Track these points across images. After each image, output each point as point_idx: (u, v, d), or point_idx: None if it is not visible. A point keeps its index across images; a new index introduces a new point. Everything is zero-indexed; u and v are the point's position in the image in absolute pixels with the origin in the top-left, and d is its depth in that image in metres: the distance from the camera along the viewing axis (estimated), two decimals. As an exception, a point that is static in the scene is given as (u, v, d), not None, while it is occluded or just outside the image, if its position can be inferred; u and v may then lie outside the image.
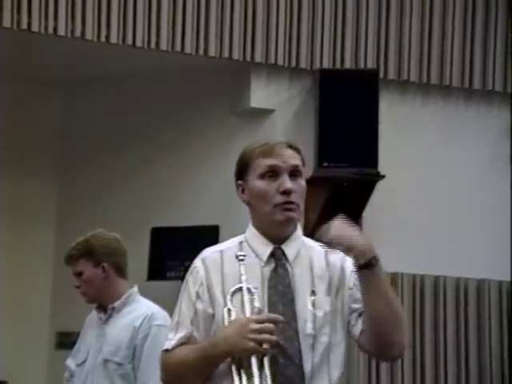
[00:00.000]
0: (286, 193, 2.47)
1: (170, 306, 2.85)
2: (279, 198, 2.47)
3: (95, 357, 3.58)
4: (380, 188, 5.54)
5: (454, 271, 5.81)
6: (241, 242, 2.54)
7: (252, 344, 2.34)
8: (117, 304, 3.62)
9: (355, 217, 5.64)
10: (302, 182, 2.52)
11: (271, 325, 2.36)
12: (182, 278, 2.63)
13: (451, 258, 5.80)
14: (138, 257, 5.15)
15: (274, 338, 2.36)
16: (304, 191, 2.53)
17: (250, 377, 2.35)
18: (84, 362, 3.62)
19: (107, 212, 5.88)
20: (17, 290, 5.92)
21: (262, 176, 2.49)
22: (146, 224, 5.75)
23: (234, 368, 2.37)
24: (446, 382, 5.71)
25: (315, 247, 2.56)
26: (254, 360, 2.34)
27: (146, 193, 5.93)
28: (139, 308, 3.63)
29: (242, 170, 2.53)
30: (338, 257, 2.54)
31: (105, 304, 3.65)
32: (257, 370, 2.33)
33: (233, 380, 2.37)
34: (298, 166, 2.51)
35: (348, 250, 2.41)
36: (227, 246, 2.55)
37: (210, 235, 5.22)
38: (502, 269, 5.82)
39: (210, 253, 2.54)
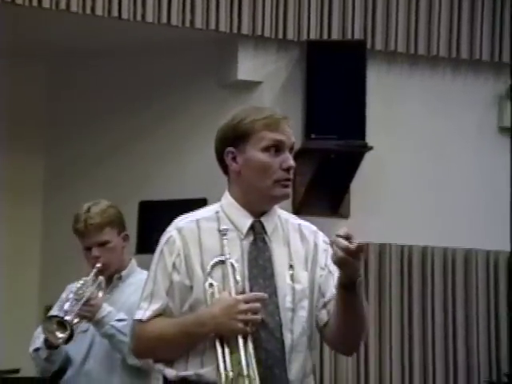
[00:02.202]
0: (288, 170, 2.47)
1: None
2: (281, 174, 2.46)
3: None
4: (368, 159, 5.55)
5: (442, 241, 5.84)
6: (217, 212, 2.49)
7: (241, 325, 2.35)
8: (124, 273, 3.54)
9: (343, 188, 5.66)
10: None
11: (258, 304, 2.37)
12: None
13: (439, 228, 5.83)
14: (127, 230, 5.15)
15: (260, 317, 2.37)
16: None
17: (233, 352, 2.36)
18: (86, 330, 3.50)
19: (94, 186, 5.86)
20: (5, 266, 5.91)
21: (266, 149, 2.46)
22: (133, 198, 5.75)
23: (217, 344, 2.36)
24: (433, 351, 5.76)
25: (290, 220, 2.55)
26: (240, 339, 2.35)
27: (133, 166, 5.92)
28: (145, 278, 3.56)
29: (239, 137, 2.46)
30: (310, 230, 2.55)
31: (113, 274, 3.54)
32: (242, 347, 2.34)
33: (212, 355, 2.37)
34: (294, 143, 2.53)
35: (344, 263, 2.30)
36: (202, 215, 2.50)
37: (197, 208, 5.19)
38: (489, 238, 5.85)
39: (185, 222, 2.48)
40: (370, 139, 5.49)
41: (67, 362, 3.54)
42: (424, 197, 5.85)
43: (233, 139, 2.47)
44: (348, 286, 2.35)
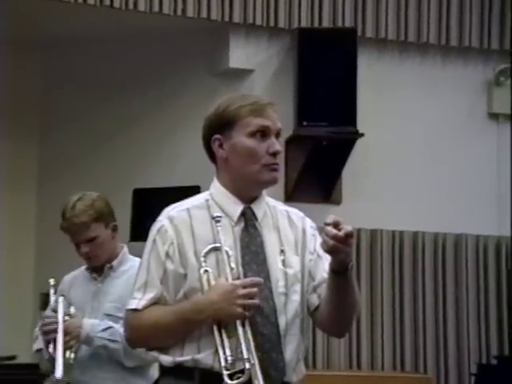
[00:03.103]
0: (275, 154, 2.48)
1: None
2: (268, 159, 2.47)
3: (93, 315, 3.49)
4: (359, 146, 5.59)
5: (432, 226, 5.89)
6: (207, 200, 2.50)
7: (240, 310, 2.36)
8: (115, 262, 3.54)
9: (334, 175, 5.71)
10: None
11: (255, 289, 2.38)
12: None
13: (429, 213, 5.88)
14: (121, 218, 5.09)
15: (257, 301, 2.39)
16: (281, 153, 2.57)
17: (231, 336, 2.37)
18: None
19: (88, 174, 5.90)
20: (0, 254, 5.95)
21: (252, 135, 2.47)
22: (127, 185, 5.78)
23: (215, 329, 2.38)
24: (424, 334, 5.82)
25: (277, 207, 2.57)
26: (238, 323, 2.37)
27: (127, 154, 5.96)
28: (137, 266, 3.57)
29: (225, 124, 2.47)
30: (298, 216, 2.57)
31: (104, 263, 3.54)
32: (241, 332, 2.36)
33: (208, 340, 2.39)
34: (281, 129, 2.54)
35: (335, 250, 2.32)
36: (192, 203, 2.50)
37: (191, 196, 5.23)
38: (478, 223, 5.91)
39: (176, 212, 2.48)
40: (360, 126, 5.53)
41: None
42: (415, 183, 5.90)
43: (219, 126, 2.48)
44: (340, 272, 2.37)
